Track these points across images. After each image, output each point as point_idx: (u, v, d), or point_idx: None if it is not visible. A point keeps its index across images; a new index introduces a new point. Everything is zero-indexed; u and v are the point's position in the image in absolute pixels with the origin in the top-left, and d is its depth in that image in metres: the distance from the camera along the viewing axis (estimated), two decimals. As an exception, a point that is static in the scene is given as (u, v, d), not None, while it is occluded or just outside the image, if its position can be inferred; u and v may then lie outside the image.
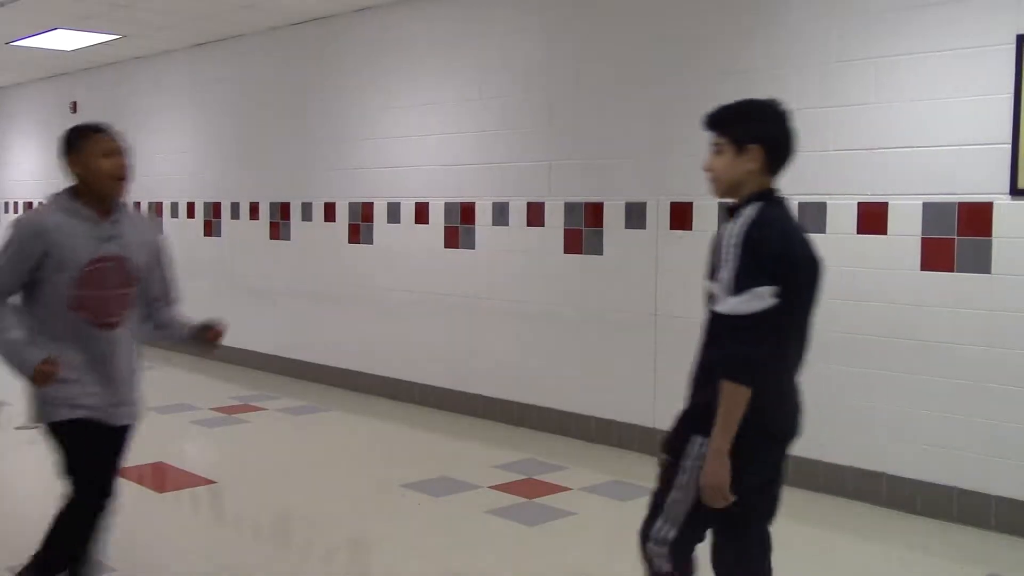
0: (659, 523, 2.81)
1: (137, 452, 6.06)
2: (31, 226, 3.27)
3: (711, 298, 2.72)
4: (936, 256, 4.77)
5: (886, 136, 4.93)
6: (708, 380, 2.69)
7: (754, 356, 2.59)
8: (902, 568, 4.29)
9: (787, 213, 2.80)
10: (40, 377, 3.30)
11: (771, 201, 2.76)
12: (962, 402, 4.72)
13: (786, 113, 2.79)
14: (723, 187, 2.85)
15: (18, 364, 3.29)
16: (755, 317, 2.58)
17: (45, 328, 3.33)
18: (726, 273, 2.64)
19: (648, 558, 2.84)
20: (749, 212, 2.73)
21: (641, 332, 6.02)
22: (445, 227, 7.22)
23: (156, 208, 10.31)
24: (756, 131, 2.76)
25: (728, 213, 2.83)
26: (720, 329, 2.66)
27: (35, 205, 12.44)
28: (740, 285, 2.60)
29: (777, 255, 2.63)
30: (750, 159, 2.76)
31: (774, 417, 2.77)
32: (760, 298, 2.58)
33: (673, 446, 2.80)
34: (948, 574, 4.24)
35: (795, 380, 2.86)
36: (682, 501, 2.76)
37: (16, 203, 13.04)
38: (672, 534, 2.78)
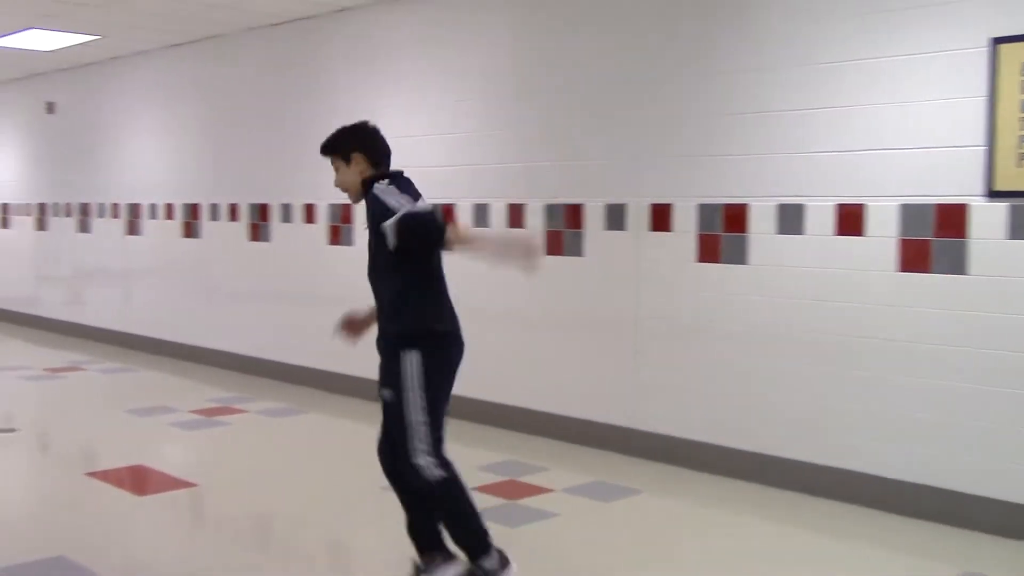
0: (414, 445, 3.49)
1: (116, 455, 6.05)
2: None
3: (375, 261, 3.68)
4: (913, 257, 4.82)
5: (863, 138, 4.97)
6: (397, 311, 3.60)
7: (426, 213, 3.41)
8: (878, 567, 4.33)
9: (408, 188, 3.64)
10: None
11: (386, 175, 3.66)
12: (939, 403, 4.77)
13: (360, 124, 3.78)
14: (354, 195, 3.76)
15: None
16: (425, 211, 3.40)
17: None
18: (388, 219, 3.42)
19: (416, 476, 3.51)
20: (377, 186, 3.60)
21: (622, 333, 6.04)
22: (425, 228, 7.20)
23: (135, 209, 10.26)
24: (351, 145, 3.70)
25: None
26: (394, 259, 3.53)
27: (9, 207, 12.36)
28: (397, 208, 3.42)
29: (407, 191, 3.55)
30: (356, 165, 3.69)
31: (434, 316, 3.65)
32: (418, 203, 3.47)
33: (389, 379, 3.55)
34: (925, 573, 4.28)
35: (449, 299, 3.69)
36: (422, 419, 3.48)
37: (-8, 204, 12.94)
38: (429, 445, 3.48)
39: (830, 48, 5.06)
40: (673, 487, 5.43)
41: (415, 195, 3.60)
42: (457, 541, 3.64)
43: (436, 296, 3.65)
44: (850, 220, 5.02)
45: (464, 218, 6.92)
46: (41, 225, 11.93)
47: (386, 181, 3.63)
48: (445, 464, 3.55)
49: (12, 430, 6.78)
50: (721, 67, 5.50)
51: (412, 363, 3.52)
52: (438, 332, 3.61)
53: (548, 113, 6.42)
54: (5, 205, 12.64)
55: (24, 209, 12.25)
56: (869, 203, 4.96)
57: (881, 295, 4.94)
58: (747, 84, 5.39)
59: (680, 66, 5.69)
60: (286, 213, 8.40)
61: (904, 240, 4.85)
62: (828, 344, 5.12)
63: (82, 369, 9.19)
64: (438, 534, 3.72)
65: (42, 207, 11.89)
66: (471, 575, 3.62)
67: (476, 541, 3.59)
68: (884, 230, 4.91)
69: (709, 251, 5.60)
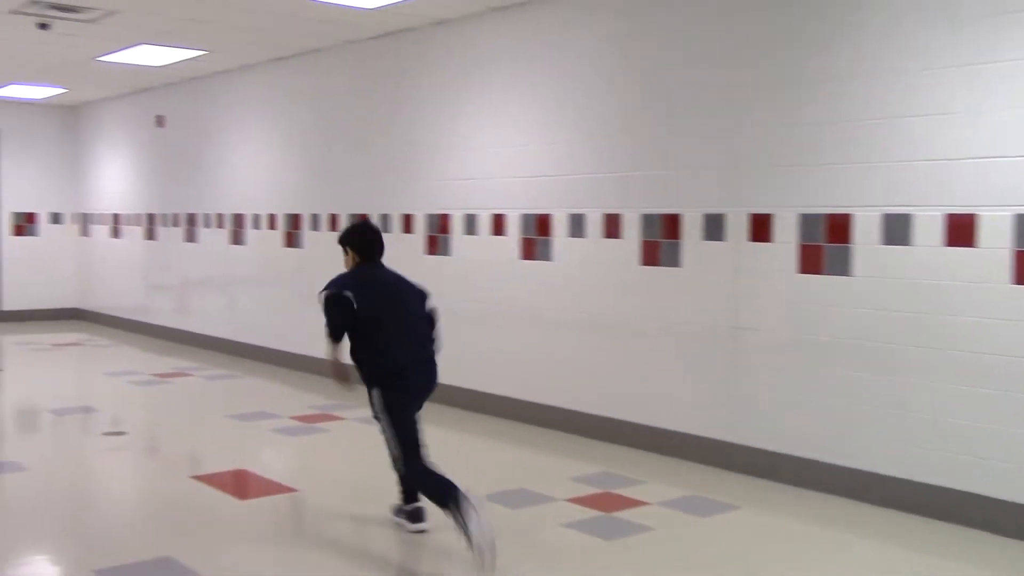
0: (389, 450, 4.64)
1: (219, 459, 6.20)
2: None
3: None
4: (1029, 269, 4.63)
5: (974, 145, 4.80)
6: (358, 359, 4.65)
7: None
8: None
9: (370, 269, 4.84)
10: None
11: (359, 266, 4.85)
12: (1056, 420, 4.57)
13: (359, 224, 5.09)
14: None
15: None
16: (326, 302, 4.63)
17: None
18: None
19: (396, 471, 4.71)
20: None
21: (721, 345, 5.95)
22: (522, 239, 7.23)
23: (239, 220, 10.53)
24: (345, 240, 4.95)
25: None
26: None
27: (120, 217, 12.82)
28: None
29: (346, 281, 4.68)
30: (350, 255, 4.90)
31: (383, 363, 4.61)
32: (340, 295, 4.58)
33: (372, 406, 4.65)
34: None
35: (402, 344, 4.63)
36: (391, 434, 4.58)
37: (103, 215, 13.42)
38: (399, 450, 4.56)
39: (939, 53, 4.91)
40: (772, 503, 5.32)
41: (362, 285, 4.65)
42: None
43: (383, 343, 4.57)
44: (961, 230, 4.85)
45: (559, 228, 6.91)
46: (150, 235, 12.33)
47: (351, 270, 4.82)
48: (415, 460, 4.57)
49: (121, 433, 7.00)
50: (823, 74, 5.38)
51: (375, 398, 4.60)
52: (390, 372, 4.56)
53: (644, 122, 6.37)
54: (116, 215, 13.11)
55: (134, 219, 12.69)
56: (981, 213, 4.78)
57: (994, 309, 4.75)
58: (851, 91, 5.26)
59: (780, 74, 5.59)
60: (385, 223, 8.50)
61: (1020, 252, 4.66)
62: (938, 359, 4.95)
63: (189, 375, 9.45)
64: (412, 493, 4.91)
65: (151, 217, 12.30)
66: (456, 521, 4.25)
67: (441, 503, 4.33)
68: (998, 241, 4.73)
69: (811, 262, 5.47)
